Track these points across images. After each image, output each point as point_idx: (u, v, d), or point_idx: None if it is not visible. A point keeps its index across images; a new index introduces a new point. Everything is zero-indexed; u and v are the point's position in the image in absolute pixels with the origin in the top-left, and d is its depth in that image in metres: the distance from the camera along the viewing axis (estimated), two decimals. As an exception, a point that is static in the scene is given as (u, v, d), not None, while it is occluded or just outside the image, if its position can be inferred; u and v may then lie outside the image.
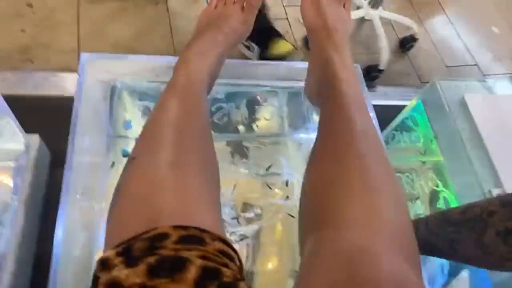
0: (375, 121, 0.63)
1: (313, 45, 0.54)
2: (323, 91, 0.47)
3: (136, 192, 0.33)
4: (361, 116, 0.41)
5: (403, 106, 0.91)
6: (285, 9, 1.40)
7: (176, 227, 0.28)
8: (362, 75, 0.66)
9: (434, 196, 0.82)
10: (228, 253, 0.29)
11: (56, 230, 0.45)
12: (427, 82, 0.80)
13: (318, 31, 0.52)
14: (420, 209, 0.85)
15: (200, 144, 0.39)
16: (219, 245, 0.28)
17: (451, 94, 0.76)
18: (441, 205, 0.80)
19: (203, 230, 0.29)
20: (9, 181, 0.77)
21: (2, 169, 0.77)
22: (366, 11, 1.34)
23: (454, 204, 0.74)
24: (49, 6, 1.22)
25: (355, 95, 0.44)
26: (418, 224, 0.56)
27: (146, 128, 0.40)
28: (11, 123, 0.72)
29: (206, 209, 0.33)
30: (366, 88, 0.69)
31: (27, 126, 0.77)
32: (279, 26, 1.34)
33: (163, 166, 0.34)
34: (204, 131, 0.41)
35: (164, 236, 0.28)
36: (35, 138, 0.81)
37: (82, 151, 0.55)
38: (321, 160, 0.40)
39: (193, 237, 0.28)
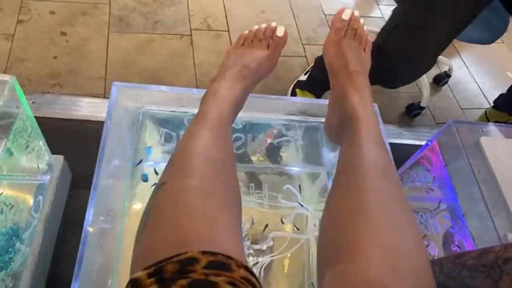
0: (391, 159, 0.65)
1: (334, 84, 0.56)
2: (343, 129, 0.49)
3: (166, 216, 0.34)
4: (379, 154, 0.42)
5: (418, 146, 0.92)
6: (303, 47, 1.45)
7: (205, 253, 0.29)
8: (379, 114, 0.69)
9: (448, 237, 0.81)
10: (252, 281, 0.30)
11: (80, 249, 0.46)
12: (442, 123, 0.82)
13: (339, 71, 0.55)
14: (433, 250, 0.84)
15: (227, 173, 0.41)
16: (244, 272, 0.29)
17: (467, 137, 0.77)
18: (455, 247, 0.78)
19: (229, 257, 0.30)
20: (30, 199, 0.79)
21: (25, 186, 0.79)
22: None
23: (468, 247, 0.73)
24: (82, 36, 1.29)
25: (374, 133, 0.45)
26: (433, 265, 0.56)
27: (176, 155, 0.42)
28: (39, 143, 0.75)
29: (231, 236, 0.34)
30: (382, 126, 0.70)
31: (50, 147, 0.80)
32: (298, 63, 1.39)
33: (192, 192, 0.35)
34: (230, 161, 0.43)
35: (194, 260, 0.29)
36: (60, 159, 0.84)
37: (107, 174, 0.57)
38: (340, 195, 0.41)
39: (220, 263, 0.29)
